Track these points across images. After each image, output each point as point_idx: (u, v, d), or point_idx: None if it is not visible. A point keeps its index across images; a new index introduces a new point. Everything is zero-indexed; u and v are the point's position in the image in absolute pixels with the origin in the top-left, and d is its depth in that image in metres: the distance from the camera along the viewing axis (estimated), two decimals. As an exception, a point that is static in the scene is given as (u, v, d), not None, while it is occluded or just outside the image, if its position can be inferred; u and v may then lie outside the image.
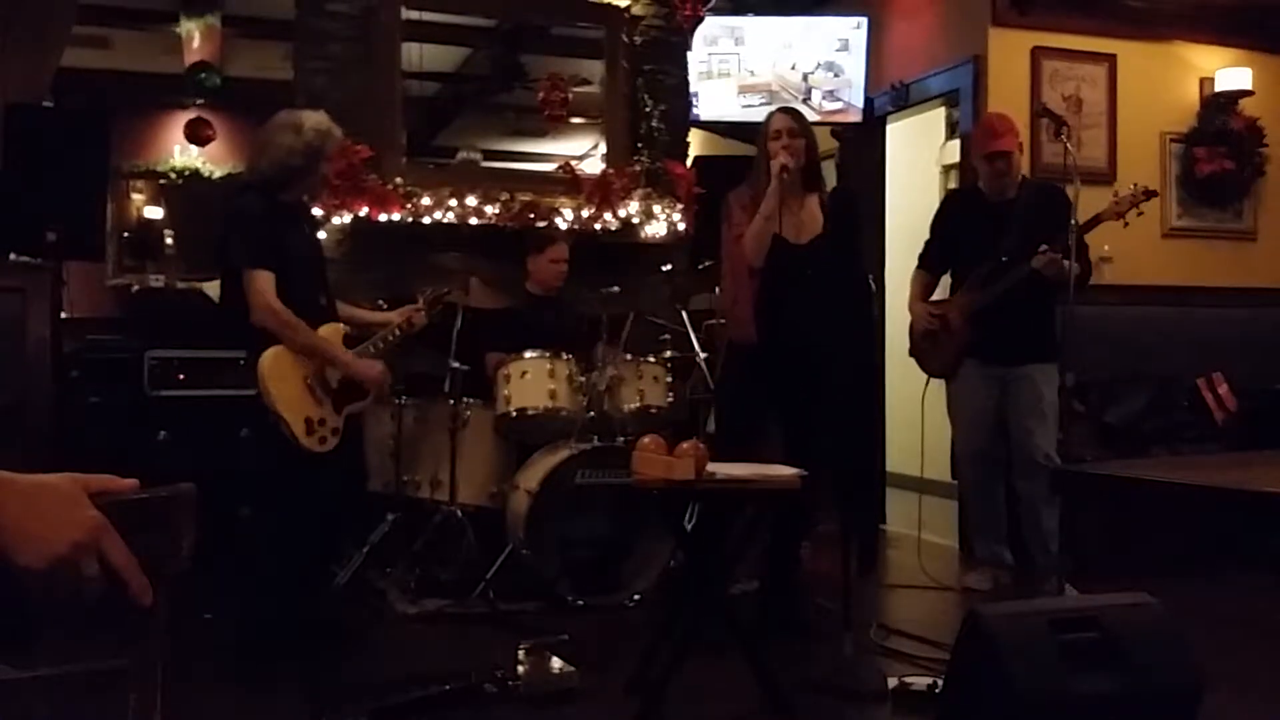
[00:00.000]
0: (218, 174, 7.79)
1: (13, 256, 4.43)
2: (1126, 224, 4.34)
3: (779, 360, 3.77)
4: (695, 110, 5.87)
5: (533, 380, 4.27)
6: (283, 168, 3.49)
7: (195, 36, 7.08)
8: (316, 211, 4.71)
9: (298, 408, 3.39)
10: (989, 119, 4.69)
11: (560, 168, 5.35)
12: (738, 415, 3.92)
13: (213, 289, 4.40)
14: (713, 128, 6.44)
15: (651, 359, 4.42)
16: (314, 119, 3.57)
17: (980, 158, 4.52)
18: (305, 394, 3.43)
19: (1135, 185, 4.38)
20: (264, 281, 3.36)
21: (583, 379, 4.34)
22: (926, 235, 4.77)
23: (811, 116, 6.04)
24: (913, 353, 4.75)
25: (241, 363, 3.54)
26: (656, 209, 5.28)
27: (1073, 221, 4.06)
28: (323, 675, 3.25)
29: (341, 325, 3.67)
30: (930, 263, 4.73)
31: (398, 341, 3.88)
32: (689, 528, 3.62)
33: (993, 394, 4.45)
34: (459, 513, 4.28)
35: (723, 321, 4.18)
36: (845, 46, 5.95)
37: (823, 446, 3.70)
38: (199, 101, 7.63)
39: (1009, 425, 4.42)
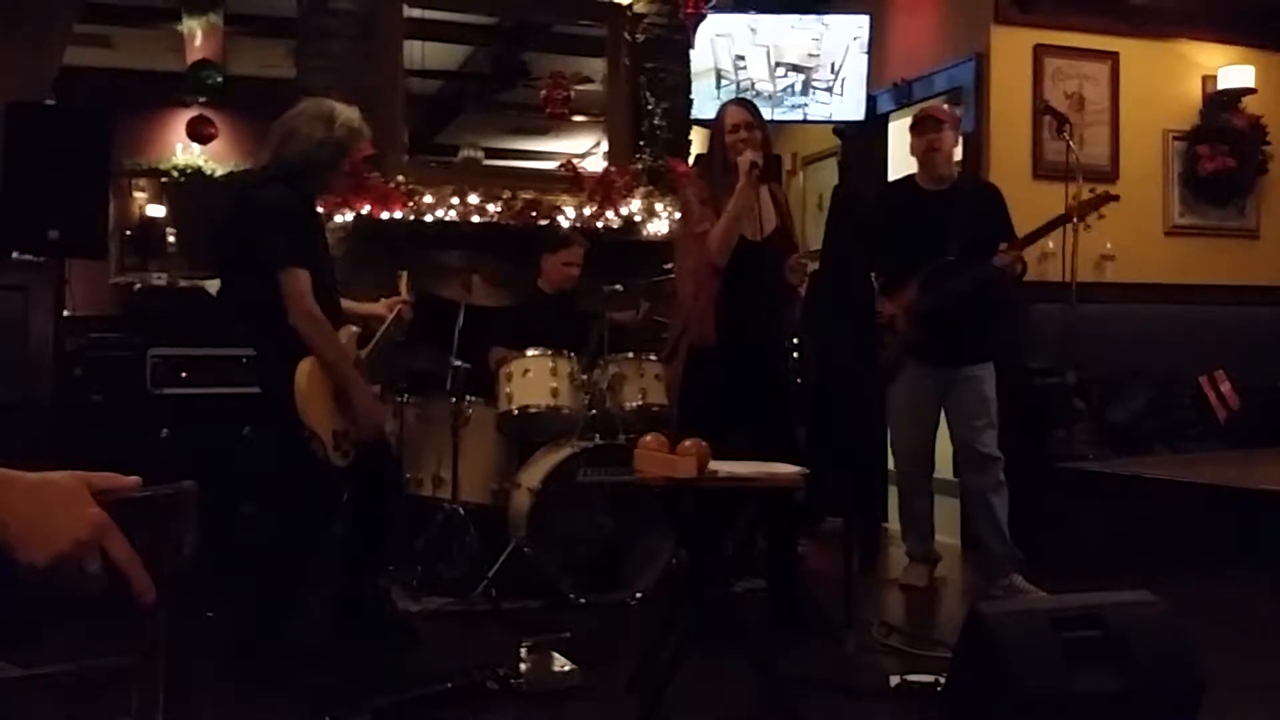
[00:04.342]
0: (220, 172, 7.81)
1: (15, 255, 4.43)
2: (1088, 227, 4.33)
3: (741, 358, 3.73)
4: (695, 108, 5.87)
5: (535, 378, 4.27)
6: (308, 160, 3.33)
7: (197, 34, 7.10)
8: (317, 209, 4.71)
9: (328, 423, 3.21)
10: (926, 106, 4.60)
11: (562, 166, 5.35)
12: (706, 419, 3.63)
13: (215, 286, 4.25)
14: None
15: (653, 357, 4.42)
16: (346, 113, 3.41)
17: (913, 135, 4.32)
18: (334, 407, 3.24)
19: (1094, 189, 4.35)
20: (305, 282, 3.16)
21: (585, 377, 4.34)
22: None
23: (813, 115, 6.09)
24: None
25: (244, 360, 3.41)
26: (658, 207, 5.28)
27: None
28: (324, 674, 3.25)
29: (354, 328, 3.51)
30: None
31: (391, 338, 3.71)
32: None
33: (934, 395, 4.34)
34: (461, 511, 4.27)
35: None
36: (847, 44, 5.95)
37: (788, 445, 3.68)
38: (201, 100, 7.64)
39: (952, 424, 4.35)
